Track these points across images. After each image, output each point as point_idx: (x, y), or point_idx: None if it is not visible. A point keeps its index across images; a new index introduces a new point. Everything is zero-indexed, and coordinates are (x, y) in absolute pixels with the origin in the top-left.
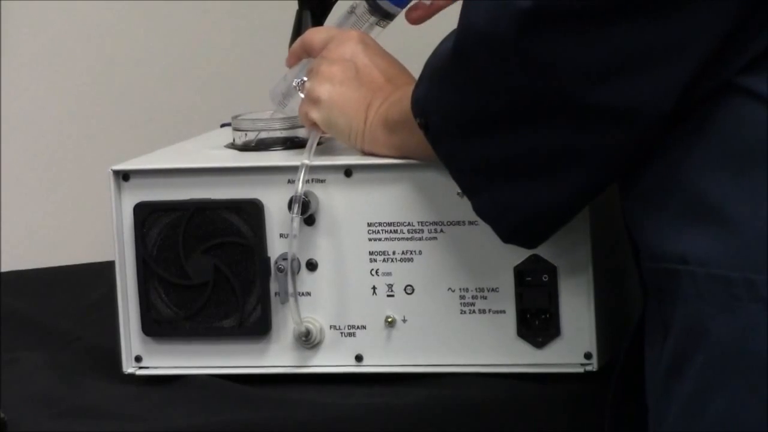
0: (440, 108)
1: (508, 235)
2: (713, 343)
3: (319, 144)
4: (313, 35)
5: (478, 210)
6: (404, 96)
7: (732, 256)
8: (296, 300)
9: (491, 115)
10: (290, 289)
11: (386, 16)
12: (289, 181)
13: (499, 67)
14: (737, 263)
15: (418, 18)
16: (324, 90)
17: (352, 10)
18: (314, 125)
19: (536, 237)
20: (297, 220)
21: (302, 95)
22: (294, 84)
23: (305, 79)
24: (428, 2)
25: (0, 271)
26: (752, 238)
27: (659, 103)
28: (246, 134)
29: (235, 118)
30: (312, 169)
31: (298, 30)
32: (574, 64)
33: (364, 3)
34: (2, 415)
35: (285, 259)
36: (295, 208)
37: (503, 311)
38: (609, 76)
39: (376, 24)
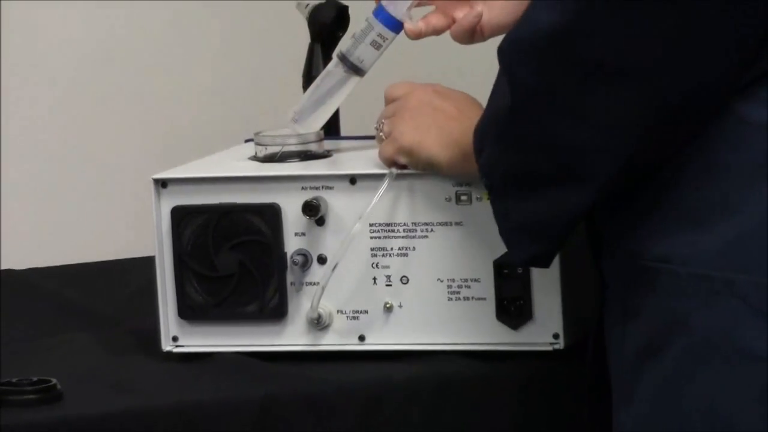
0: (490, 165)
1: (531, 265)
2: (693, 333)
3: (325, 157)
4: (395, 88)
5: (518, 258)
6: (471, 129)
7: (713, 257)
8: (321, 292)
9: (542, 176)
10: (320, 281)
11: (356, 71)
12: (302, 188)
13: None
14: (718, 264)
15: (417, 34)
16: (408, 134)
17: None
18: (393, 163)
19: (549, 263)
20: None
21: (382, 134)
22: (376, 125)
23: (384, 121)
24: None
25: (57, 264)
26: (732, 242)
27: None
28: (266, 148)
29: (257, 134)
30: (322, 177)
31: (310, 60)
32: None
33: (337, 59)
34: (59, 386)
35: (300, 254)
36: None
37: (484, 298)
38: (585, 152)
39: (352, 72)
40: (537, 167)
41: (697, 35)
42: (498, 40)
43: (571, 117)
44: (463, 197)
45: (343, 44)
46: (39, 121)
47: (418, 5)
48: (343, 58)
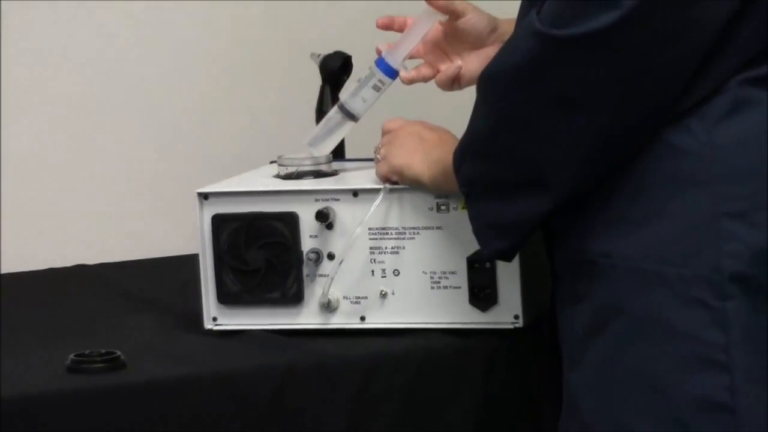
0: (469, 180)
1: (498, 259)
2: (629, 314)
3: (333, 175)
4: (391, 123)
5: (488, 253)
6: (449, 154)
7: (646, 254)
8: (330, 282)
9: (511, 185)
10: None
11: (351, 117)
12: (315, 200)
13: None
14: (650, 259)
15: (415, 78)
16: (400, 157)
17: (338, 107)
18: (388, 180)
19: (511, 258)
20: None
21: (379, 157)
22: (374, 150)
23: (381, 147)
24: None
25: (119, 261)
26: (661, 241)
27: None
28: (287, 168)
29: (279, 157)
30: (330, 191)
31: (321, 98)
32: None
33: (336, 107)
34: (122, 357)
35: (313, 252)
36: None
37: (459, 287)
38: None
39: (348, 118)
40: (507, 178)
41: (636, 81)
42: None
43: (536, 139)
44: (443, 207)
45: (344, 93)
46: (109, 144)
47: (411, 58)
48: (342, 107)
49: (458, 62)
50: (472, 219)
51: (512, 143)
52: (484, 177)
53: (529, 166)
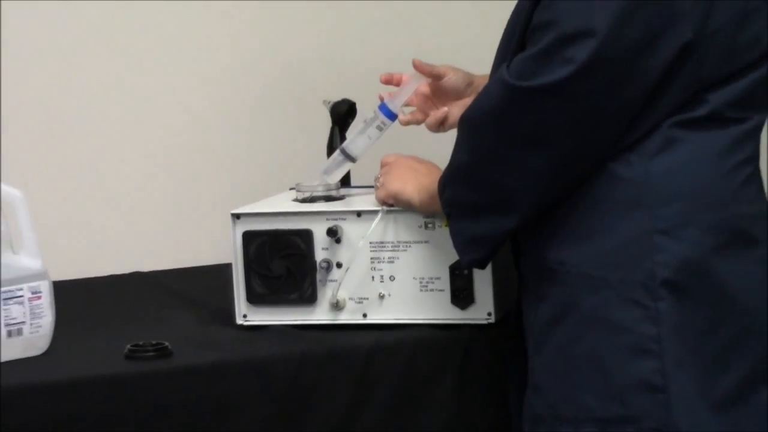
0: (452, 204)
1: (475, 267)
2: (581, 312)
3: (341, 199)
4: (388, 157)
5: (466, 262)
6: (435, 182)
7: (594, 263)
8: (340, 286)
9: (485, 207)
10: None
11: (350, 159)
12: (327, 219)
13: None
14: (597, 267)
15: (410, 121)
16: (396, 183)
17: (340, 151)
18: (385, 203)
19: (485, 266)
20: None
21: (378, 184)
22: (375, 178)
23: (380, 177)
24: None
25: (166, 269)
26: (606, 252)
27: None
28: (303, 193)
29: (297, 184)
30: (339, 213)
31: (331, 137)
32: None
33: (339, 149)
34: (169, 347)
35: (324, 261)
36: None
37: (443, 290)
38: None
39: (348, 159)
40: (481, 201)
41: (586, 123)
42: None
43: (505, 170)
44: (429, 225)
45: (351, 133)
46: (162, 175)
47: (405, 106)
48: (343, 150)
49: (444, 109)
50: (453, 235)
51: (485, 173)
52: (463, 201)
53: (499, 191)
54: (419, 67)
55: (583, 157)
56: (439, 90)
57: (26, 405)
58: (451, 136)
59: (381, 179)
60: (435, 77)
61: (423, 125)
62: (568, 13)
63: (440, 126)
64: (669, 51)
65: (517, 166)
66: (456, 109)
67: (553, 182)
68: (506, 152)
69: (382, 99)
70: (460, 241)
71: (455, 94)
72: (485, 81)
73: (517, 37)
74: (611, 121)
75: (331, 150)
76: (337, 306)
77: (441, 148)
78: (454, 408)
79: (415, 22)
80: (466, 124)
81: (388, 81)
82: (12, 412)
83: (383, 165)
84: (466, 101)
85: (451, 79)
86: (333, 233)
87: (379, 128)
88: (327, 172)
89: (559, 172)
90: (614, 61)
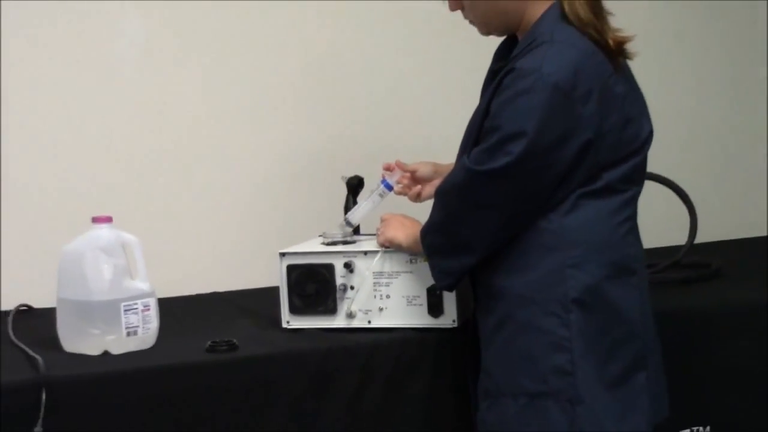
0: (430, 248)
1: (445, 290)
2: (516, 320)
3: (353, 243)
4: (385, 215)
5: (439, 286)
6: (418, 232)
7: (525, 287)
8: (353, 302)
9: (452, 248)
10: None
11: (350, 226)
12: (344, 256)
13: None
14: (527, 290)
15: (400, 192)
16: (391, 232)
17: (344, 223)
18: (385, 246)
19: (453, 290)
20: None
21: (378, 233)
22: (377, 228)
23: (380, 227)
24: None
25: (236, 289)
26: (533, 281)
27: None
28: (327, 239)
29: (323, 233)
30: (352, 252)
31: (347, 201)
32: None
33: (343, 221)
34: (236, 342)
35: (342, 285)
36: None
37: (422, 304)
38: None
39: (347, 225)
40: (450, 245)
41: (521, 195)
42: None
43: (466, 224)
44: (413, 261)
45: (362, 196)
46: (234, 217)
47: (398, 183)
48: (346, 221)
49: (418, 187)
50: (431, 268)
51: (453, 227)
52: (438, 245)
53: (462, 239)
54: (401, 167)
55: (519, 217)
56: (415, 177)
57: (139, 382)
58: (424, 204)
59: (381, 229)
60: (411, 172)
61: (407, 197)
62: (508, 121)
63: (417, 198)
64: (576, 146)
65: (475, 223)
66: (427, 188)
67: (499, 233)
68: (467, 213)
69: (383, 176)
70: (435, 273)
71: (426, 179)
72: (448, 167)
73: (474, 136)
74: (537, 193)
75: (346, 210)
76: (350, 315)
77: (419, 209)
78: (431, 384)
79: (406, 117)
80: (440, 194)
81: (389, 167)
82: (131, 386)
83: (382, 220)
84: (435, 182)
85: (421, 171)
86: (348, 266)
87: (381, 195)
88: (344, 224)
89: (504, 226)
90: (538, 153)
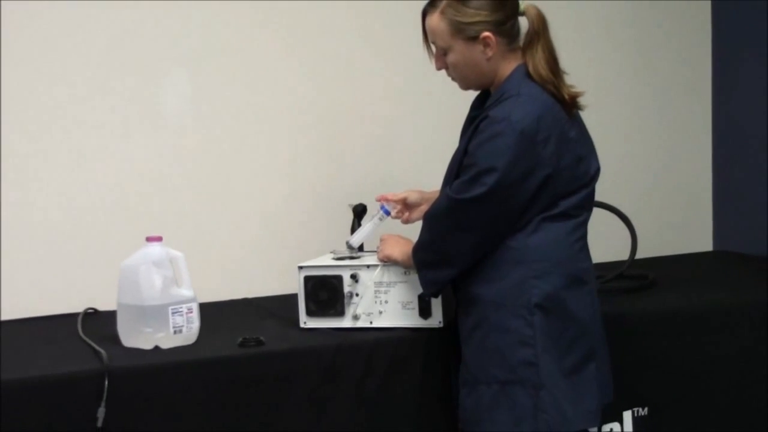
0: (420, 262)
1: (431, 296)
2: (490, 322)
3: (358, 258)
4: (383, 235)
5: (427, 293)
6: (410, 250)
7: (496, 294)
8: (358, 306)
9: (437, 263)
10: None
11: (351, 250)
12: (350, 269)
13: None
14: (498, 297)
15: (395, 217)
16: (388, 250)
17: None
18: (383, 261)
19: (438, 296)
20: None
21: (378, 249)
22: (377, 246)
23: (380, 245)
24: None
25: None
26: (503, 289)
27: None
28: (337, 254)
29: (332, 251)
30: (357, 266)
31: (353, 224)
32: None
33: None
34: (263, 339)
35: (349, 292)
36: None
37: (414, 308)
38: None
39: (354, 251)
40: (435, 260)
41: (493, 219)
42: None
43: (449, 243)
44: (407, 273)
45: (366, 218)
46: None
47: (393, 209)
48: (348, 245)
49: (407, 214)
50: (420, 279)
51: (439, 246)
52: (426, 260)
53: (446, 255)
54: (392, 198)
55: (491, 237)
56: (405, 202)
57: (184, 371)
58: (414, 226)
59: (380, 247)
60: (402, 201)
61: (399, 220)
62: (483, 158)
63: (408, 221)
64: (538, 179)
65: (456, 242)
66: (415, 213)
67: (476, 250)
68: (450, 234)
69: (382, 204)
70: (423, 283)
71: (415, 204)
72: (434, 194)
73: (454, 171)
74: (507, 217)
75: (353, 230)
76: (355, 317)
77: (410, 229)
78: (421, 373)
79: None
80: (427, 219)
81: (383, 198)
82: (177, 374)
83: (382, 239)
84: (422, 207)
85: (410, 198)
86: (354, 277)
87: (381, 219)
88: (351, 243)
89: (479, 245)
90: (507, 185)
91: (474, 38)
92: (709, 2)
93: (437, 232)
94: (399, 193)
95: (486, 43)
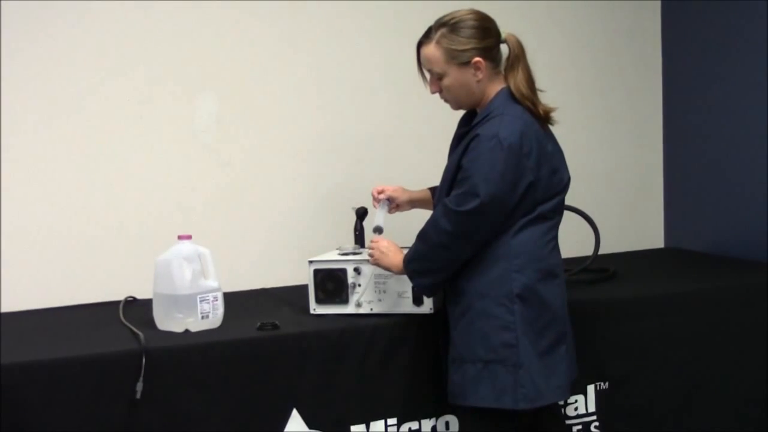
0: (414, 271)
1: (426, 296)
2: (475, 309)
3: (359, 254)
4: (375, 238)
5: (419, 295)
6: (400, 259)
7: (479, 288)
8: (360, 295)
9: (428, 271)
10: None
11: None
12: (353, 263)
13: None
14: (483, 290)
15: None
16: (379, 258)
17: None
18: (374, 265)
19: (433, 295)
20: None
21: (369, 253)
22: (367, 254)
23: (371, 251)
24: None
25: (272, 286)
26: (485, 282)
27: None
28: (342, 251)
29: (338, 248)
30: (359, 260)
31: (356, 225)
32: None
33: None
34: (279, 324)
35: (352, 282)
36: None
37: (409, 297)
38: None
39: (377, 231)
40: (432, 268)
41: (482, 227)
42: None
43: (449, 250)
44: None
45: (376, 215)
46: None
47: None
48: (377, 229)
49: (395, 206)
50: (415, 285)
51: (431, 254)
52: (419, 269)
53: (442, 263)
54: (384, 192)
55: (482, 242)
56: (394, 197)
57: (210, 351)
58: (407, 226)
59: (370, 252)
60: (392, 200)
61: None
62: (477, 172)
63: (392, 211)
64: (522, 188)
65: (456, 250)
66: (406, 206)
67: (471, 255)
68: (451, 243)
69: (379, 194)
70: (419, 288)
71: (406, 203)
72: (420, 193)
73: (449, 183)
74: (496, 223)
75: (356, 230)
76: (358, 305)
77: (408, 229)
78: (415, 353)
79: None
80: (426, 230)
81: (382, 194)
82: (205, 353)
83: (371, 244)
84: (403, 198)
85: (400, 199)
86: (357, 270)
87: (387, 205)
88: (374, 231)
89: (475, 250)
90: (497, 196)
91: (466, 63)
92: (659, 2)
93: (437, 243)
94: (389, 187)
95: (477, 67)
